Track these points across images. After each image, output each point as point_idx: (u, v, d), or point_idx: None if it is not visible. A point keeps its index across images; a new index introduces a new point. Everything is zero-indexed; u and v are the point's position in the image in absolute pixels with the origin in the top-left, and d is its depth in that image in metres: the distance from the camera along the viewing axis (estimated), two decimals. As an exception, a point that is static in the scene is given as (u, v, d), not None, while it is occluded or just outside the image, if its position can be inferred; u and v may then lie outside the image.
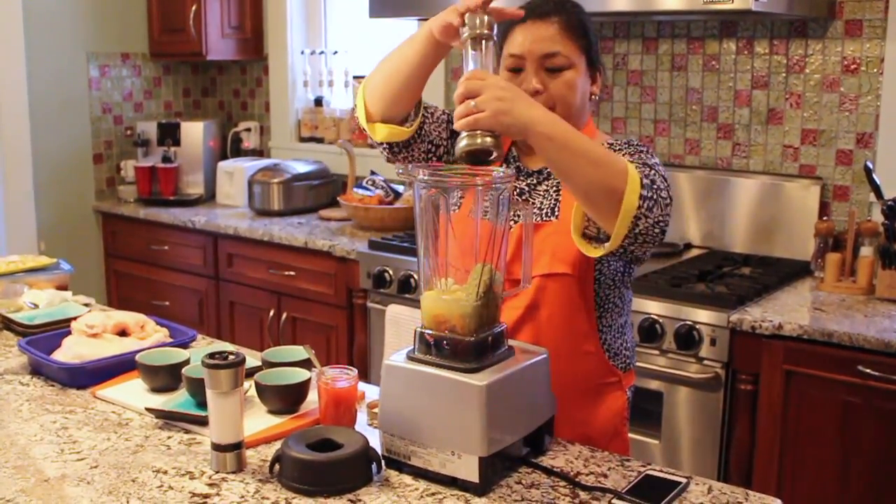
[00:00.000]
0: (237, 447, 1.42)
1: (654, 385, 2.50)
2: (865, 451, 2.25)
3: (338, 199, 3.69)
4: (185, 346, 1.93)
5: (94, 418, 1.64)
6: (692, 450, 2.49)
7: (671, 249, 2.98)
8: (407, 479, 1.40)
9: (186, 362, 1.74)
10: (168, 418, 1.61)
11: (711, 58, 3.07)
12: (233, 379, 1.39)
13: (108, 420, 1.64)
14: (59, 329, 2.02)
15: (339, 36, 4.26)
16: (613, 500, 1.32)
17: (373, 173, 3.71)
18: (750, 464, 2.41)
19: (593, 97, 1.75)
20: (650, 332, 2.47)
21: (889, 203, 2.52)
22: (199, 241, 3.80)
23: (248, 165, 4.05)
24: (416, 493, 1.36)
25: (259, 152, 4.44)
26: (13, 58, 3.90)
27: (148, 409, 1.63)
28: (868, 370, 2.19)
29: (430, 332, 1.40)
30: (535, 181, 1.73)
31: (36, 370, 1.88)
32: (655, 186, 1.47)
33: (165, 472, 1.42)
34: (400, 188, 3.60)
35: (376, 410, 1.54)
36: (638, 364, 1.94)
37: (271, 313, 3.52)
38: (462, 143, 1.37)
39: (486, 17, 1.45)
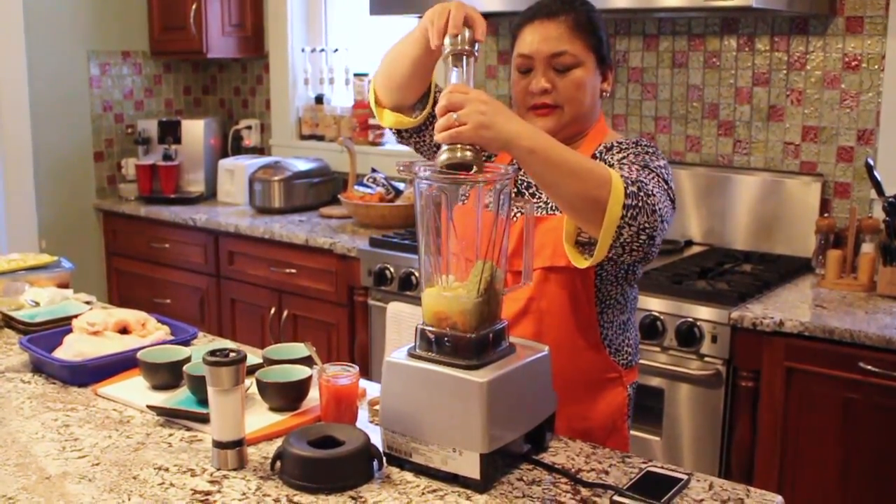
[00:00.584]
0: (238, 444, 1.42)
1: (655, 382, 2.50)
2: (866, 448, 2.25)
3: (338, 196, 3.68)
4: (186, 343, 1.93)
5: (96, 416, 1.64)
6: (693, 446, 2.49)
7: (672, 246, 2.98)
8: (408, 476, 1.40)
9: (187, 360, 1.74)
10: (169, 416, 1.61)
11: (712, 55, 3.07)
12: (234, 376, 1.39)
13: (109, 418, 1.64)
14: (60, 327, 2.02)
15: (340, 33, 4.26)
16: (615, 497, 1.32)
17: (373, 171, 3.71)
18: (751, 460, 2.41)
19: (604, 95, 1.75)
20: (651, 328, 2.47)
21: (890, 200, 2.51)
22: (199, 238, 3.80)
23: (249, 163, 4.05)
24: (417, 490, 1.36)
25: (260, 150, 4.43)
26: (14, 56, 3.90)
27: (149, 407, 1.63)
28: (869, 367, 2.19)
29: (431, 328, 1.40)
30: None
31: (37, 368, 1.88)
32: (642, 194, 1.46)
33: (167, 470, 1.42)
34: (401, 185, 3.60)
35: (377, 407, 1.54)
36: (640, 361, 1.94)
37: (272, 311, 3.52)
38: (443, 156, 1.38)
39: (466, 34, 1.47)
